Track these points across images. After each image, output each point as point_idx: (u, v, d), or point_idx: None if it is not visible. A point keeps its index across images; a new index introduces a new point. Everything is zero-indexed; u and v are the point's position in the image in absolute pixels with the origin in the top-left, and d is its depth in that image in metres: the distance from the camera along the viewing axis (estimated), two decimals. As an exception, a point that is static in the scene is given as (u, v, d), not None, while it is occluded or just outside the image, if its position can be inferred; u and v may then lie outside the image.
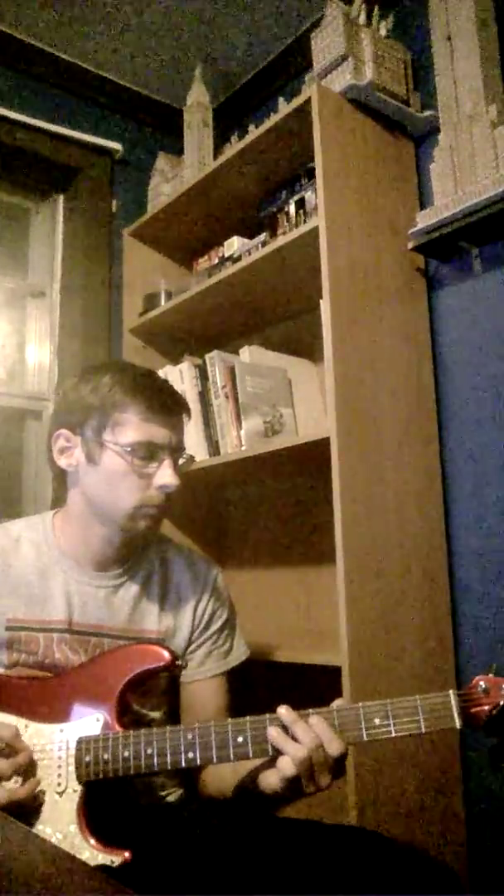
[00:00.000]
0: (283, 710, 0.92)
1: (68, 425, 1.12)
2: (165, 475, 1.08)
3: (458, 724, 0.86)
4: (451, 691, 0.88)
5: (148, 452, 1.08)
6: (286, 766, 0.90)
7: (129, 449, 1.07)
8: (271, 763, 0.95)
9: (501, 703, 0.86)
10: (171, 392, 1.15)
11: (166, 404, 1.11)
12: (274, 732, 0.91)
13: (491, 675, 0.89)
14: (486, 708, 0.87)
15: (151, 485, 1.09)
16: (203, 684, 1.20)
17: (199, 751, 0.94)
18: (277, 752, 0.91)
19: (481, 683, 0.89)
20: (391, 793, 1.40)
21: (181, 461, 1.14)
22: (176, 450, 1.12)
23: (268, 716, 0.93)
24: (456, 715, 0.87)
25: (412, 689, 1.43)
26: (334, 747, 0.89)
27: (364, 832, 1.09)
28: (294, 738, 0.90)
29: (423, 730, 0.88)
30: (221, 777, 1.10)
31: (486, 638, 1.56)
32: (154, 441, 1.08)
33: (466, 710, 0.87)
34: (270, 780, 0.95)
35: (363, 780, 1.35)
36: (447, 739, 1.54)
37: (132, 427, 1.08)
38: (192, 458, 1.17)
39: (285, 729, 0.91)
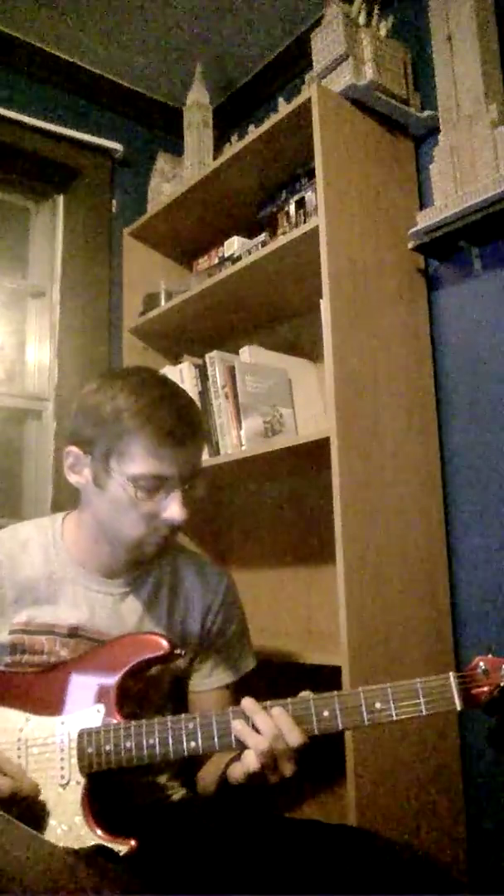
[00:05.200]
0: (246, 701, 0.95)
1: (79, 443, 1.08)
2: (172, 510, 1.03)
3: (458, 705, 0.87)
4: (450, 673, 0.89)
5: (154, 485, 1.03)
6: (249, 759, 0.92)
7: (133, 481, 1.02)
8: (238, 757, 0.96)
9: (502, 684, 0.87)
10: (188, 417, 1.07)
11: (179, 434, 1.03)
12: (239, 725, 0.93)
13: (490, 656, 0.89)
14: (487, 689, 0.88)
15: (157, 516, 1.05)
16: (210, 695, 1.19)
17: (201, 739, 0.95)
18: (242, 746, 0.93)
19: (481, 664, 0.89)
20: (391, 793, 1.40)
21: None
22: (187, 479, 1.06)
23: (231, 708, 0.96)
24: (456, 696, 0.87)
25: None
26: (294, 738, 0.91)
27: (364, 832, 1.09)
28: (255, 729, 0.92)
29: (424, 712, 0.88)
30: (210, 772, 1.11)
31: (487, 637, 1.55)
32: (162, 474, 1.02)
33: (466, 692, 0.88)
34: (235, 773, 0.96)
35: (363, 779, 1.35)
36: (447, 740, 1.54)
37: (139, 459, 1.02)
38: (204, 479, 1.12)
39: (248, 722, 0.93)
